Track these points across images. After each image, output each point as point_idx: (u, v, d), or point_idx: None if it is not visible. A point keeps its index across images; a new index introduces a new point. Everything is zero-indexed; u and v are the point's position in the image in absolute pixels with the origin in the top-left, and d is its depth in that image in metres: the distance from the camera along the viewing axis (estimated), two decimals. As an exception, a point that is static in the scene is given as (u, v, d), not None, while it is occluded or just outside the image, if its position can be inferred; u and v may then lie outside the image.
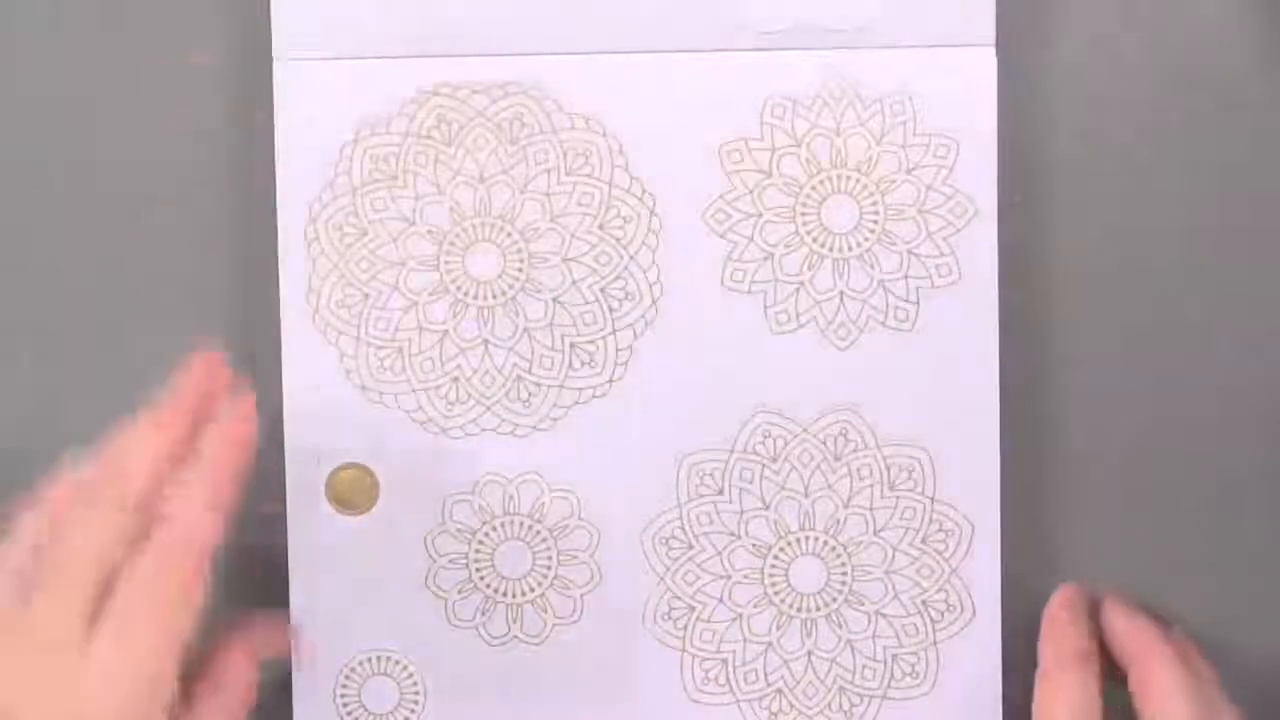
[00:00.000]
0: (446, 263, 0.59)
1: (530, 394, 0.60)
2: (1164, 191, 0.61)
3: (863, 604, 0.60)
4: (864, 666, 0.60)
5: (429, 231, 0.59)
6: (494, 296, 0.60)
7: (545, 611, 0.60)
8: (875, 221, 0.59)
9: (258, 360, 0.60)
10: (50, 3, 0.60)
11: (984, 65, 0.59)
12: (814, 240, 0.59)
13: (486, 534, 0.60)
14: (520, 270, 0.59)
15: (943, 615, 0.60)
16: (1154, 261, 0.61)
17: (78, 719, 0.51)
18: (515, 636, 0.60)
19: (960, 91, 0.59)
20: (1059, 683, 0.57)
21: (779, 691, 0.60)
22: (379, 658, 0.60)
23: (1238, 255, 0.61)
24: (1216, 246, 0.61)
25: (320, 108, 0.59)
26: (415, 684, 0.60)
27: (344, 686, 0.60)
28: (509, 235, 0.59)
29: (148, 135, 0.61)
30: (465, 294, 0.59)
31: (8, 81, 0.61)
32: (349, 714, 0.60)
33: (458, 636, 0.60)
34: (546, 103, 0.59)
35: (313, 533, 0.59)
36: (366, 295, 0.59)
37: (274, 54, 0.59)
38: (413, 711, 0.60)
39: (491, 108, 0.59)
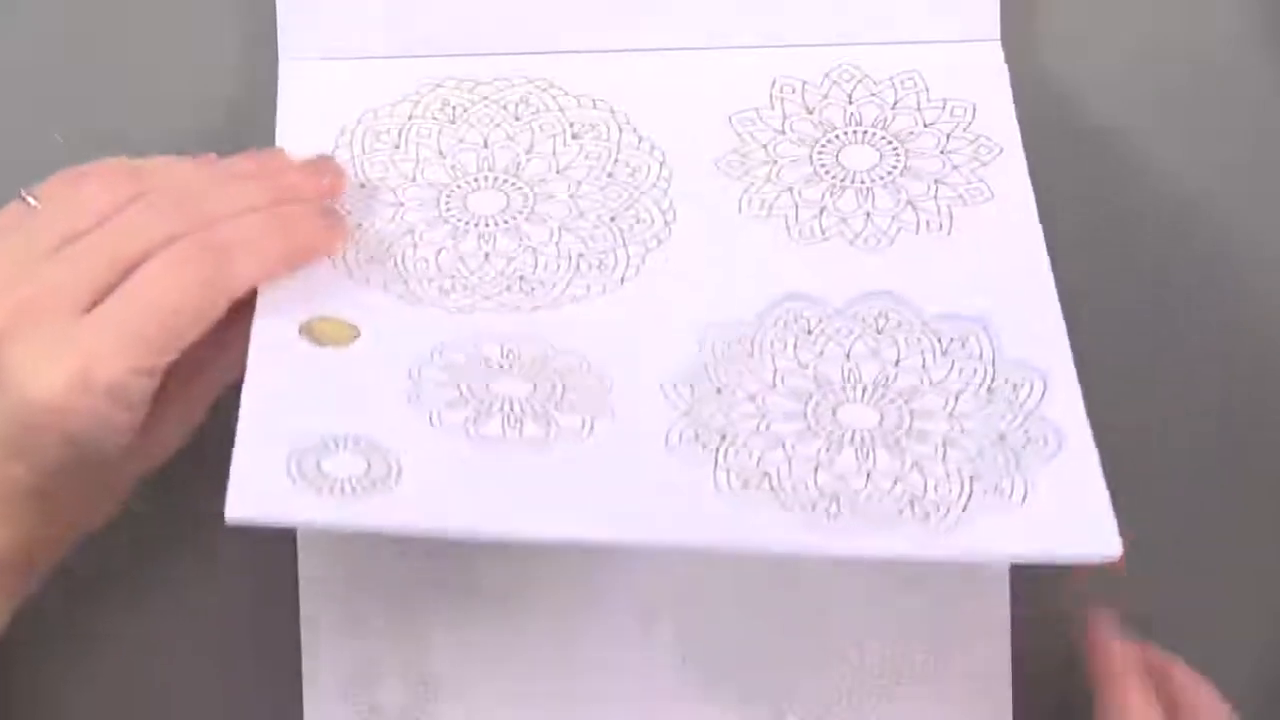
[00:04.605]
0: (447, 204, 0.56)
1: (534, 289, 0.54)
2: (1164, 187, 0.60)
3: (926, 439, 0.50)
4: (936, 485, 0.48)
5: (430, 184, 0.56)
6: (496, 225, 0.55)
7: (549, 425, 0.50)
8: (897, 161, 0.57)
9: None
10: (56, 3, 0.61)
11: (990, 62, 0.59)
12: (833, 177, 0.56)
13: (479, 368, 0.51)
14: (525, 205, 0.56)
15: (1024, 447, 0.49)
16: (1154, 259, 0.60)
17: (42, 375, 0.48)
18: (511, 442, 0.49)
19: (971, 77, 0.59)
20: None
21: (835, 497, 0.48)
22: (344, 438, 0.49)
23: (1240, 248, 0.60)
24: (1218, 241, 0.60)
25: (324, 107, 0.58)
26: (387, 466, 0.48)
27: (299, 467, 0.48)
28: (514, 184, 0.56)
29: (150, 136, 0.59)
30: (466, 224, 0.55)
31: (12, 80, 0.61)
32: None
33: (441, 436, 0.49)
34: (553, 89, 0.59)
35: (278, 361, 0.50)
36: (360, 225, 0.55)
37: (280, 54, 0.59)
38: (384, 486, 0.48)
39: (497, 94, 0.59)
